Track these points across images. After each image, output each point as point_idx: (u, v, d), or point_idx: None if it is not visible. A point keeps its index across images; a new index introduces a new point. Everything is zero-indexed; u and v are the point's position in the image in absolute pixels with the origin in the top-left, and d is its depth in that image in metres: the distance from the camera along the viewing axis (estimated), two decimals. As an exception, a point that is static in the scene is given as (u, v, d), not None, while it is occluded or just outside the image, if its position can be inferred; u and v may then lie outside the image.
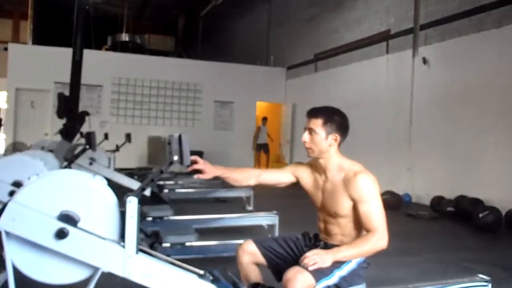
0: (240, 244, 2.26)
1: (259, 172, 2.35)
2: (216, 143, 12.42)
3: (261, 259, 2.22)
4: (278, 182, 2.34)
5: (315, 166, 2.22)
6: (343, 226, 2.12)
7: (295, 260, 2.09)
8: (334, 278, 1.99)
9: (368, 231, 2.01)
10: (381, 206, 2.03)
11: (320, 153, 2.12)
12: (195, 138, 10.55)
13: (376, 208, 2.00)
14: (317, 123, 2.09)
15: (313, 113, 2.13)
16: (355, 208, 2.04)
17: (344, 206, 2.06)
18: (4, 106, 11.40)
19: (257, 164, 12.52)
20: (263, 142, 12.51)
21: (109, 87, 11.78)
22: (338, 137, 2.10)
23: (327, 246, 2.12)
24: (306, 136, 2.12)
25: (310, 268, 1.90)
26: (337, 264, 2.00)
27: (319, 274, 1.93)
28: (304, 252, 2.03)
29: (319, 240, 2.23)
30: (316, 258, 1.91)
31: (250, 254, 2.21)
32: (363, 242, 2.00)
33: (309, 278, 1.89)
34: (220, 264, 2.55)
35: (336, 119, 2.11)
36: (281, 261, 2.21)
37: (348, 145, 2.30)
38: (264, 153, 12.59)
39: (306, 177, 2.26)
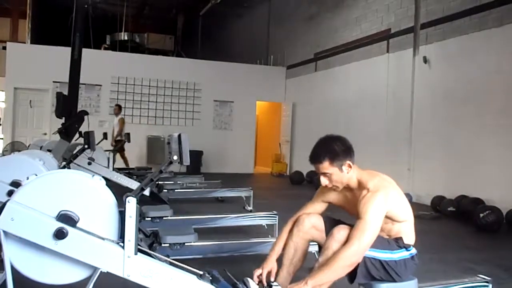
0: (305, 213, 2.37)
1: (292, 221, 2.41)
2: (216, 142, 12.40)
3: (321, 225, 2.31)
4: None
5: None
6: None
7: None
8: (383, 255, 2.12)
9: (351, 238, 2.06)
10: (373, 225, 2.06)
11: (343, 184, 2.22)
12: (194, 138, 10.50)
13: (366, 224, 2.05)
14: (325, 166, 2.17)
15: (315, 159, 2.19)
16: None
17: None
18: (3, 105, 11.37)
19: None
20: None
21: (108, 86, 11.74)
22: (350, 162, 2.18)
23: None
24: (324, 181, 2.22)
25: None
26: (393, 247, 2.16)
27: (375, 243, 2.07)
28: None
29: None
30: None
31: (313, 223, 2.31)
32: (334, 259, 2.01)
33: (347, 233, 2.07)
34: (220, 265, 2.53)
35: (336, 150, 2.16)
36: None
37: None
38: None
39: (335, 198, 2.38)
